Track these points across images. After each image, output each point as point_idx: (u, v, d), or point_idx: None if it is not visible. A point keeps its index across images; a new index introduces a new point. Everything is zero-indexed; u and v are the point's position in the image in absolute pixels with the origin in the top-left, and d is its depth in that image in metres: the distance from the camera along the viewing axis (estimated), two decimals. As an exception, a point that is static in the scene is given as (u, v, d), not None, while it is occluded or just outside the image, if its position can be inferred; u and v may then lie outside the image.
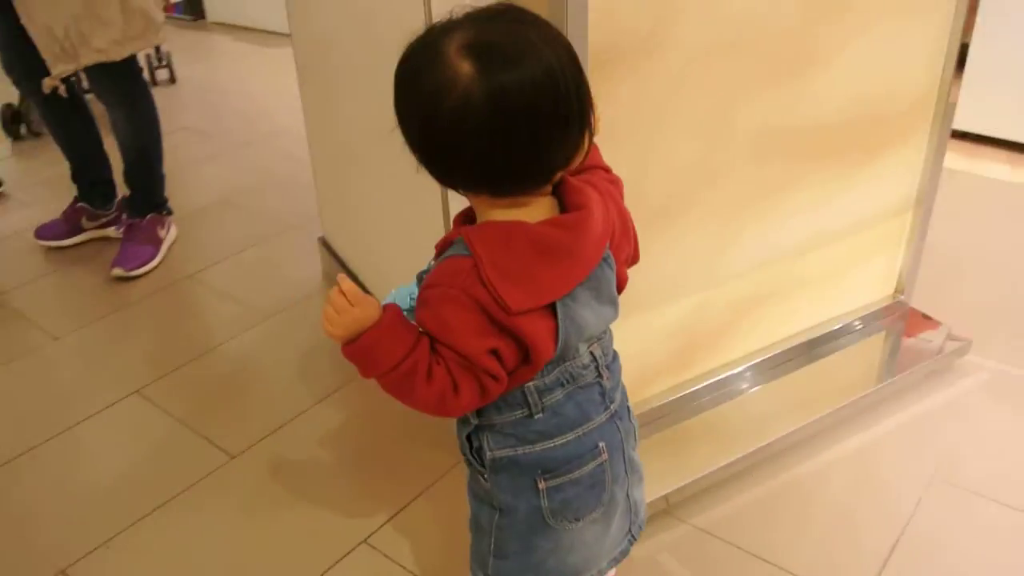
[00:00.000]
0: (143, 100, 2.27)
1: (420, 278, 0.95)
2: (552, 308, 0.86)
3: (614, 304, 0.94)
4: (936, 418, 1.66)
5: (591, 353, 0.94)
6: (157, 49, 3.44)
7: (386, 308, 0.86)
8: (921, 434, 1.63)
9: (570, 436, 0.93)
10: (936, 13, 1.53)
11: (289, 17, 1.93)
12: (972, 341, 1.77)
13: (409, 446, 1.65)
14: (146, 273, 2.23)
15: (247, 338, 1.99)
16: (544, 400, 0.91)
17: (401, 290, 0.97)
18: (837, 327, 1.76)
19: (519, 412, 0.91)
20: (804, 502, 1.51)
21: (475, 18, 0.82)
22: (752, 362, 1.68)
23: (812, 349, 1.74)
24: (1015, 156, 2.65)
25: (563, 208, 0.88)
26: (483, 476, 0.96)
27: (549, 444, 0.92)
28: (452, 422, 1.61)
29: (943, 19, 1.54)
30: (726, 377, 1.65)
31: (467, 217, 0.93)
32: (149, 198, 2.34)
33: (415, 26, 1.27)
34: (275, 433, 1.70)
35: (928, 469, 1.55)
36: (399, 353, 0.84)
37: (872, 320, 1.80)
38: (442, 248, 0.91)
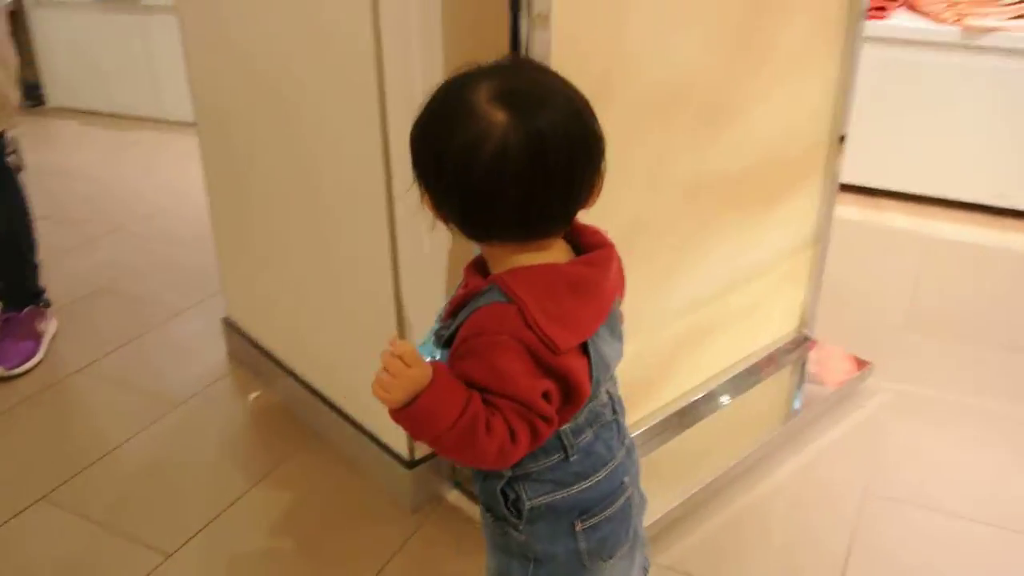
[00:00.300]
0: (5, 184, 2.13)
1: (439, 335, 0.93)
2: (584, 347, 0.88)
3: (622, 340, 0.98)
4: (854, 438, 1.79)
5: (607, 391, 0.97)
6: (1, 135, 3.20)
7: (435, 366, 0.84)
8: (845, 454, 1.75)
9: (602, 475, 0.95)
10: (826, 73, 1.70)
11: (195, 100, 1.87)
12: (873, 365, 1.92)
13: (357, 522, 1.59)
14: (29, 370, 2.05)
15: (159, 429, 1.86)
16: (577, 442, 0.93)
17: (420, 349, 0.94)
18: (753, 363, 1.87)
19: (555, 456, 0.92)
20: (754, 531, 1.57)
21: (491, 71, 0.85)
22: (682, 404, 1.75)
23: (733, 386, 1.83)
24: (868, 199, 2.93)
25: (578, 248, 0.91)
26: (517, 528, 0.95)
27: (585, 485, 0.93)
28: (396, 490, 1.58)
29: (829, 80, 1.72)
30: (660, 421, 1.71)
31: (478, 267, 0.94)
32: (24, 289, 2.17)
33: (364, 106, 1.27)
34: (212, 524, 1.59)
35: (859, 487, 1.66)
36: (456, 410, 0.82)
37: (783, 353, 1.92)
38: (462, 301, 0.90)
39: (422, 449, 1.57)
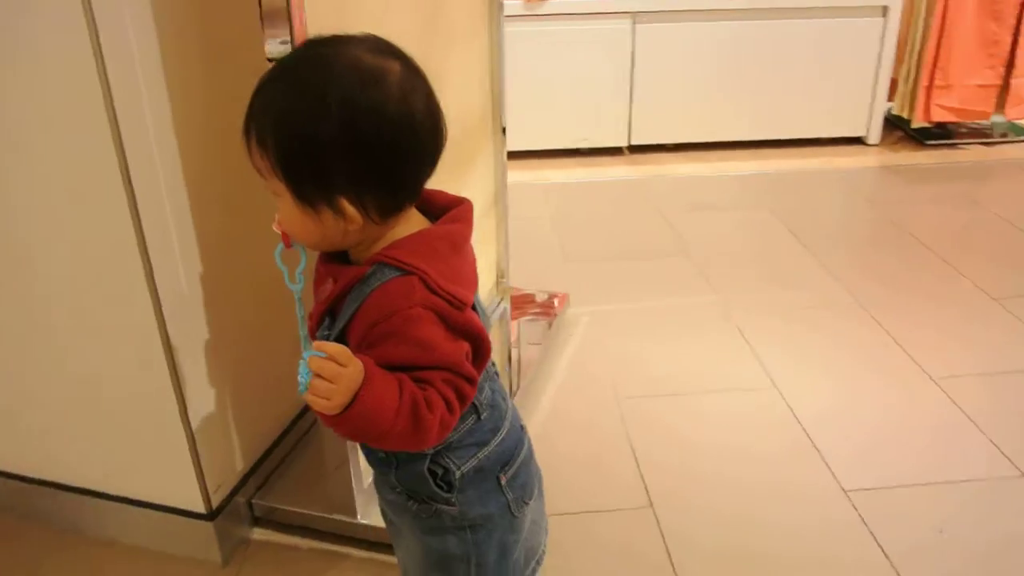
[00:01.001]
0: None
1: (325, 339, 0.90)
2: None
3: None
4: (580, 358, 2.04)
5: (485, 347, 1.03)
6: None
7: (361, 359, 0.81)
8: (581, 373, 1.99)
9: (507, 424, 1.00)
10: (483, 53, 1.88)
11: None
12: (569, 296, 2.19)
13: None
14: None
15: None
16: (482, 399, 0.96)
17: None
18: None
19: (471, 420, 0.96)
20: (553, 454, 1.70)
21: (344, 40, 0.84)
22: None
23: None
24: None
25: (428, 212, 0.93)
26: (449, 502, 0.96)
27: (500, 437, 0.98)
28: (198, 549, 1.46)
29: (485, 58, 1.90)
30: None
31: (334, 261, 0.91)
32: None
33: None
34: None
35: (610, 397, 1.90)
36: (395, 397, 0.81)
37: (496, 304, 2.10)
38: (342, 296, 0.87)
39: (219, 495, 1.47)
